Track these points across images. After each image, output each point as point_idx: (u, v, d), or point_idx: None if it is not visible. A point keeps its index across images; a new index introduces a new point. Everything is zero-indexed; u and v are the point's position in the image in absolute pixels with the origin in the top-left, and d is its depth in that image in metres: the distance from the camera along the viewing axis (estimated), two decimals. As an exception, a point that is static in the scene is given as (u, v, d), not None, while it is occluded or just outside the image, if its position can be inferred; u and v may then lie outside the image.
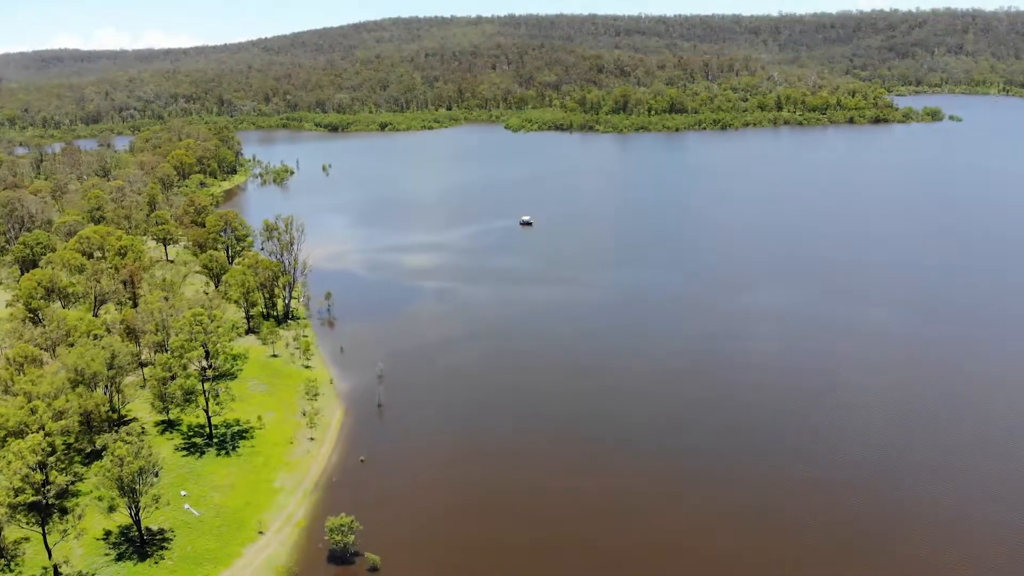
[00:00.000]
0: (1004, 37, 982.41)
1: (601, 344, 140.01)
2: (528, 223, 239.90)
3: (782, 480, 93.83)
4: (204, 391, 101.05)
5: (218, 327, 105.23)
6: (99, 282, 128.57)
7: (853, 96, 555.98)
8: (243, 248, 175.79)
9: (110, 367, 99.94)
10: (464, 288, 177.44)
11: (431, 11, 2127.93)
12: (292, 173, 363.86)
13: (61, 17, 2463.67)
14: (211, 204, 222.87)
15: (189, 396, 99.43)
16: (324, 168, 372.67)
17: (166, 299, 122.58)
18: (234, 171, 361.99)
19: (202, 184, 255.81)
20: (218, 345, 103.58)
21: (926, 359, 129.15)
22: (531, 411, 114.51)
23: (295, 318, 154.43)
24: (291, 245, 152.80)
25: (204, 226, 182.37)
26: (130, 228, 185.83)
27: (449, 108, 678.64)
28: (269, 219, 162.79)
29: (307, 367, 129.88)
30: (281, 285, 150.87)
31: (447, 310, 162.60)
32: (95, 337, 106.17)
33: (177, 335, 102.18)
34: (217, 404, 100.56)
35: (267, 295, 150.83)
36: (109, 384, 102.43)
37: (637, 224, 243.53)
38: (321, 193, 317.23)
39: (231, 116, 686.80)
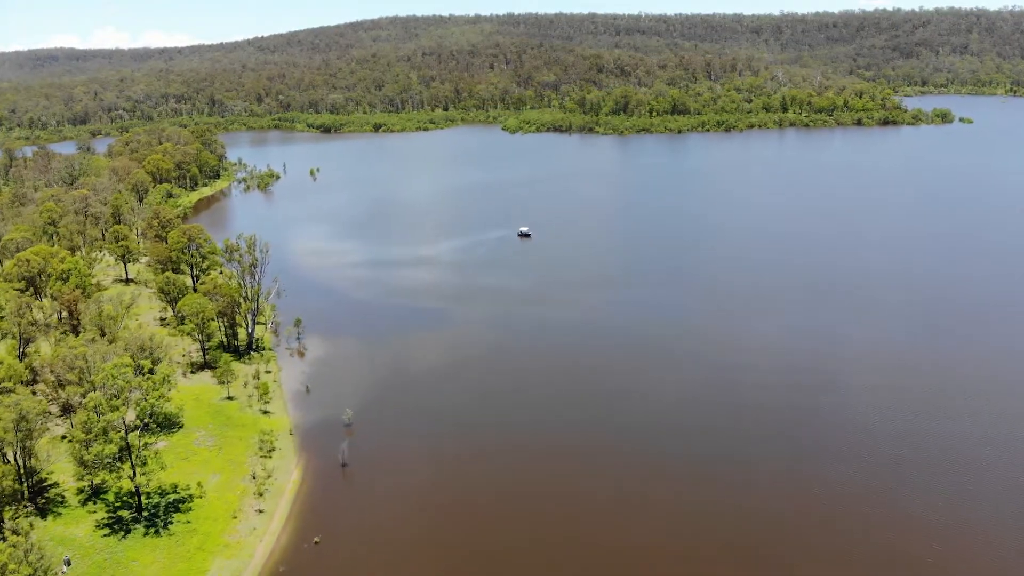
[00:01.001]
0: (1009, 37, 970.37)
1: (605, 386, 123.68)
2: (526, 235, 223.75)
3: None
4: (131, 456, 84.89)
5: (150, 379, 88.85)
6: (22, 317, 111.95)
7: (860, 97, 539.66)
8: (209, 266, 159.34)
9: (18, 428, 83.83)
10: (454, 310, 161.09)
11: (429, 10, 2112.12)
12: (278, 178, 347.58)
13: (60, 16, 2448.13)
14: (178, 217, 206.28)
15: (113, 461, 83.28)
16: (312, 172, 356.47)
17: (103, 335, 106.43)
18: (217, 176, 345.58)
19: (169, 195, 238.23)
20: (147, 401, 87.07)
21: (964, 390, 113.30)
22: (527, 476, 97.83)
23: (260, 349, 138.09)
24: (254, 268, 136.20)
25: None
26: (84, 245, 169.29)
27: (446, 109, 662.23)
28: (232, 238, 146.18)
29: (265, 413, 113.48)
30: (243, 313, 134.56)
31: (433, 337, 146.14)
32: (4, 391, 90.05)
33: (99, 389, 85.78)
34: (144, 476, 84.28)
35: (227, 324, 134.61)
36: (19, 449, 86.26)
37: (640, 235, 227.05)
38: (306, 199, 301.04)
39: (222, 116, 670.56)
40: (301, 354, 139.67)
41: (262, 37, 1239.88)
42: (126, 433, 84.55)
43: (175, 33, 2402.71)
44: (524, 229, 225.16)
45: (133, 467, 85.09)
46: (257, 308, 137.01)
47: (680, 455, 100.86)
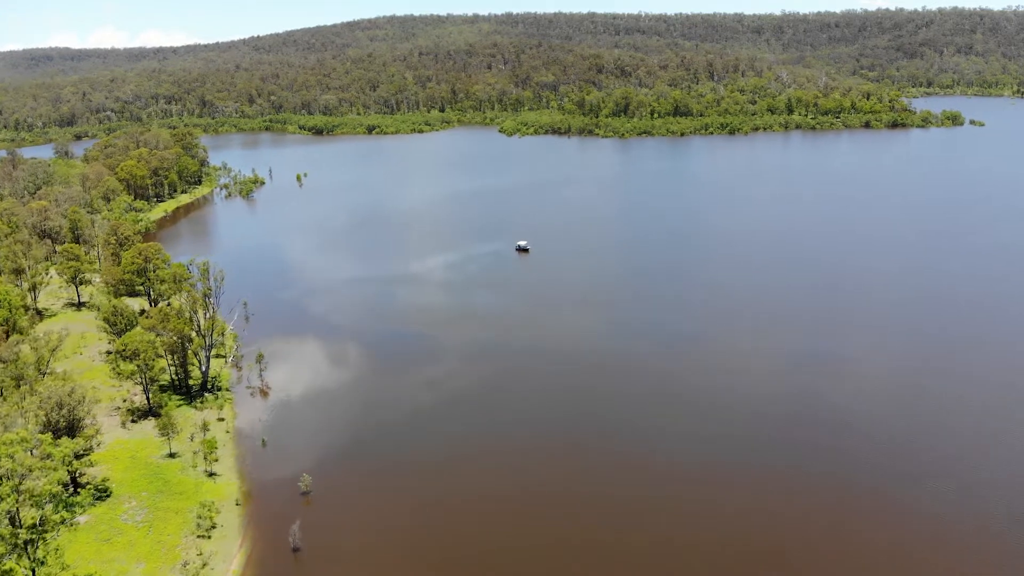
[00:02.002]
0: (1014, 37, 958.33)
1: (609, 439, 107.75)
2: (524, 249, 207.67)
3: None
4: (27, 553, 68.81)
5: (59, 448, 72.60)
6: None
7: (868, 99, 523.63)
8: (169, 291, 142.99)
9: None
10: (441, 338, 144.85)
11: (427, 9, 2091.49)
12: (262, 183, 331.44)
13: (59, 16, 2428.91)
14: (138, 233, 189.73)
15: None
16: (298, 178, 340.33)
17: (18, 386, 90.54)
18: (199, 181, 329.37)
19: (130, 208, 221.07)
20: (45, 487, 70.52)
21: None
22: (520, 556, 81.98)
23: (216, 389, 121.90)
24: (207, 299, 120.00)
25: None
26: (29, 266, 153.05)
27: (442, 110, 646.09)
28: (194, 260, 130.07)
29: (211, 475, 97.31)
30: (193, 350, 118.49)
31: (416, 371, 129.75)
32: None
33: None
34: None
35: (177, 362, 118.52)
36: None
37: (645, 249, 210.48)
38: (290, 207, 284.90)
39: (212, 118, 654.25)
40: (264, 393, 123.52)
41: (258, 37, 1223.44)
42: (15, 527, 68.37)
43: (174, 32, 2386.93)
44: (522, 244, 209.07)
45: (33, 567, 68.86)
46: (211, 343, 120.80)
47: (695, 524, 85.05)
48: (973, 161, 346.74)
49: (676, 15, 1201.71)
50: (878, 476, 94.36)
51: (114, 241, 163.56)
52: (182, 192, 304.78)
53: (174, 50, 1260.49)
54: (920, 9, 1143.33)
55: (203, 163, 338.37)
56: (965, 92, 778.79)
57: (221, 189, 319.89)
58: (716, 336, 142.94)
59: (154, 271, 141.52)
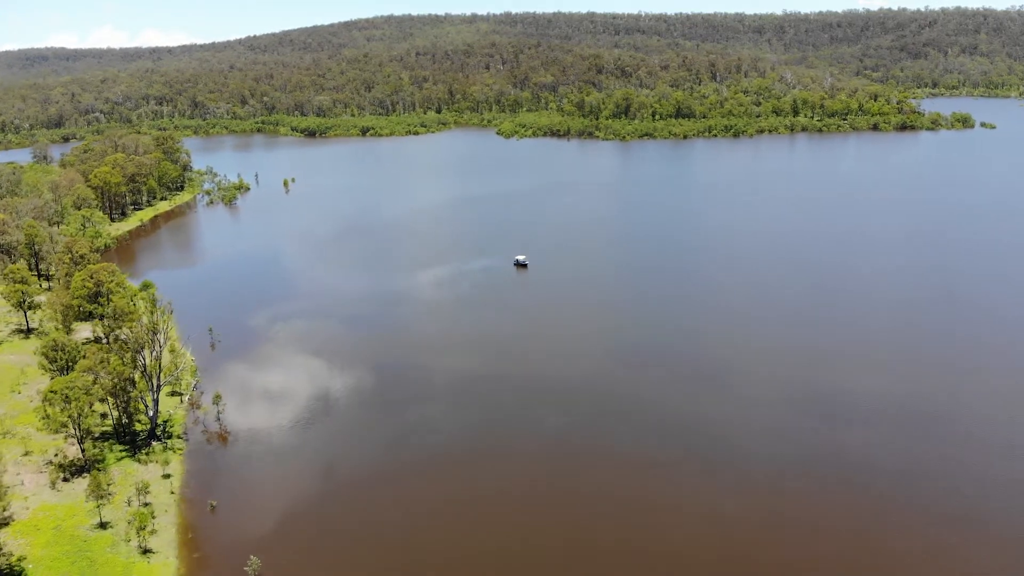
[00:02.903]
0: (1018, 37, 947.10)
1: (617, 506, 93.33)
2: (522, 264, 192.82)
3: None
4: None
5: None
6: None
7: (875, 100, 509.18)
8: (118, 320, 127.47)
9: None
10: (429, 373, 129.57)
11: (425, 8, 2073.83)
12: (247, 189, 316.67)
13: (58, 16, 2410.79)
14: (97, 251, 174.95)
15: None
16: (285, 183, 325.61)
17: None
18: (181, 187, 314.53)
19: (87, 222, 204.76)
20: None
21: None
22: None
23: (165, 436, 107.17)
24: (154, 336, 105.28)
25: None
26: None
27: (438, 111, 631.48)
28: (149, 283, 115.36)
29: (145, 552, 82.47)
30: (136, 394, 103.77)
31: (396, 417, 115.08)
32: None
33: None
34: None
35: (120, 407, 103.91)
36: None
37: (650, 264, 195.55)
38: (273, 215, 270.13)
39: (203, 119, 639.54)
40: (224, 438, 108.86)
41: (255, 36, 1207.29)
42: None
43: (173, 32, 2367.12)
44: (520, 258, 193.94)
45: None
46: (159, 384, 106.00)
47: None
48: (990, 167, 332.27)
49: (676, 15, 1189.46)
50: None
51: (68, 260, 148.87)
52: (162, 199, 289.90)
53: (169, 50, 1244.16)
54: (923, 9, 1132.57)
55: (185, 168, 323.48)
56: (971, 93, 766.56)
57: (204, 196, 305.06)
58: (734, 367, 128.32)
59: (106, 297, 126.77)
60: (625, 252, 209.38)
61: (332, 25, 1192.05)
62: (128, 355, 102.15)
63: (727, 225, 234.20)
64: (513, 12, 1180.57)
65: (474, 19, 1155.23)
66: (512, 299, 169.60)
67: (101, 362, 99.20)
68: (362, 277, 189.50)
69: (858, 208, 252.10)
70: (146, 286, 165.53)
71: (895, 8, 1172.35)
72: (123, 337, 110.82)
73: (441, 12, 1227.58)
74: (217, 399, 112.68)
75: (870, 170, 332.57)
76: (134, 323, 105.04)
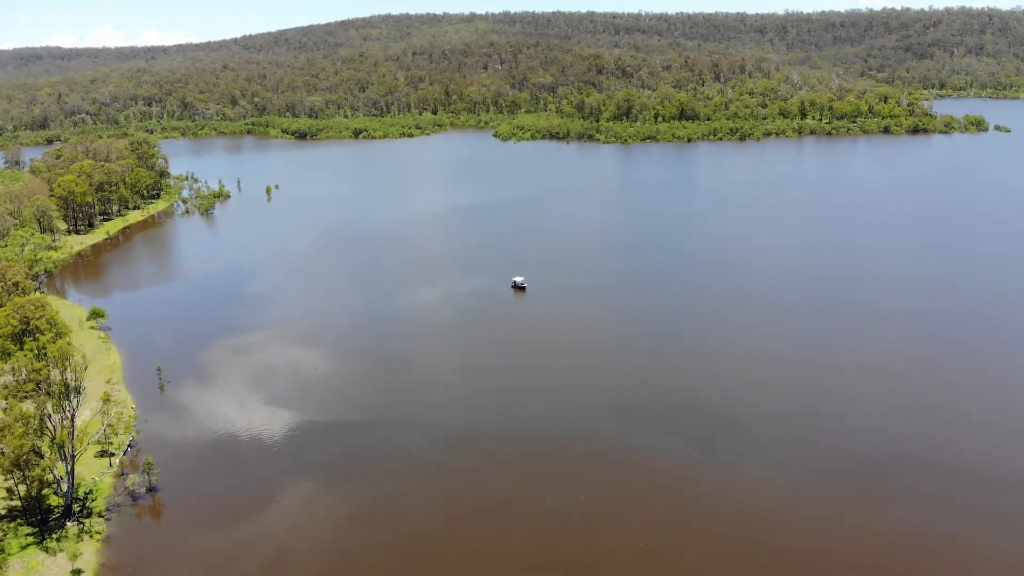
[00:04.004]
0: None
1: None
2: (521, 287, 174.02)
3: None
4: None
5: None
6: None
7: (886, 102, 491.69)
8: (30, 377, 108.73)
9: None
10: (402, 431, 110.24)
11: (423, 8, 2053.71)
12: (227, 197, 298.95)
13: (57, 16, 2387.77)
14: (34, 278, 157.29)
15: None
16: (268, 190, 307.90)
17: None
18: (157, 195, 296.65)
19: (24, 244, 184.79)
20: None
21: None
22: None
23: (83, 514, 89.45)
24: (65, 397, 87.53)
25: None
26: None
27: (434, 112, 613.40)
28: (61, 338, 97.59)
29: None
30: (43, 466, 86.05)
31: (361, 487, 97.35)
32: None
33: None
34: None
35: (28, 480, 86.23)
36: None
37: (659, 285, 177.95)
38: (251, 226, 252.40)
39: (192, 120, 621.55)
40: (156, 513, 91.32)
41: (250, 36, 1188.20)
42: None
43: (172, 32, 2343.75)
44: (519, 280, 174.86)
45: None
46: (73, 454, 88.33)
47: None
48: (1012, 173, 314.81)
49: (677, 14, 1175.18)
50: None
51: (1, 288, 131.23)
52: (135, 208, 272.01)
53: (164, 49, 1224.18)
54: (927, 9, 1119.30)
55: (163, 174, 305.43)
56: (979, 94, 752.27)
57: (182, 203, 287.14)
58: (757, 421, 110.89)
59: (33, 336, 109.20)
60: (631, 270, 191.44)
61: (329, 24, 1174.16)
62: (34, 421, 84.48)
63: (739, 238, 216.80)
64: (512, 11, 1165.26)
65: (473, 18, 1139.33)
66: (510, 332, 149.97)
67: (3, 429, 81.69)
68: (338, 302, 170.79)
69: (882, 219, 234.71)
70: (96, 314, 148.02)
71: (898, 8, 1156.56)
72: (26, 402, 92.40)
73: (439, 11, 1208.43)
74: (148, 466, 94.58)
75: (887, 176, 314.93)
76: (47, 375, 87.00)
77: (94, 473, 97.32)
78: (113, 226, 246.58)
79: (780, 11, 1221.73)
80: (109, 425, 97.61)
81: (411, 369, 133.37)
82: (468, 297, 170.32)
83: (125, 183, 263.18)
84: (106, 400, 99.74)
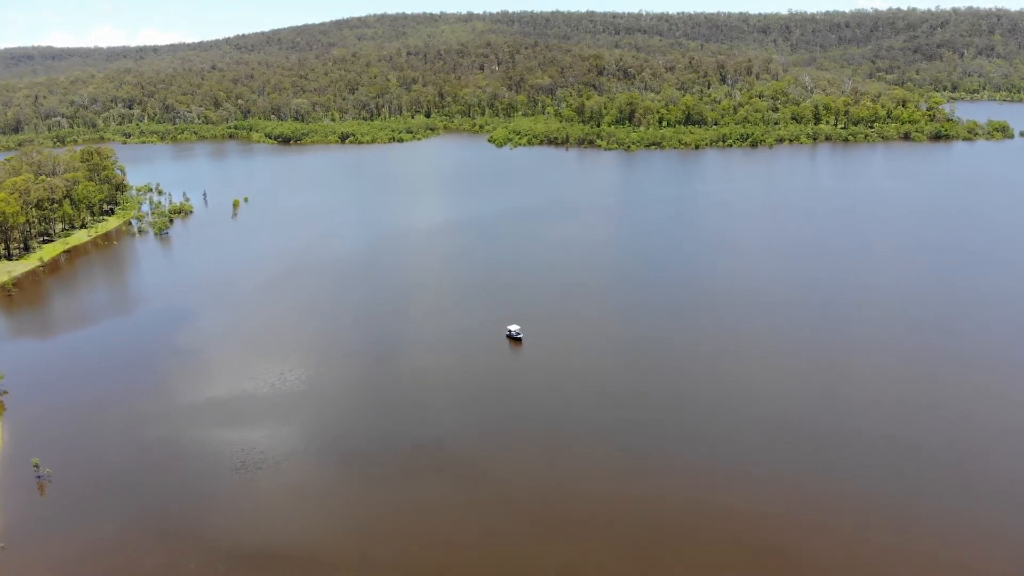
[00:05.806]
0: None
1: None
2: (516, 337, 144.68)
3: None
4: None
5: None
6: None
7: (904, 106, 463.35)
8: None
9: None
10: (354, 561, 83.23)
11: (420, 7, 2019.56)
12: (189, 212, 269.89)
13: (57, 16, 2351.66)
14: None
15: None
16: (235, 204, 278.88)
17: None
18: (111, 211, 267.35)
19: None
20: None
21: None
22: None
23: None
24: None
25: None
26: None
27: (427, 114, 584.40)
28: None
29: None
30: None
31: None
32: None
33: None
34: None
35: None
36: None
37: (671, 328, 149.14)
38: (209, 249, 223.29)
39: (173, 123, 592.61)
40: None
41: (243, 35, 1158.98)
42: None
43: (172, 31, 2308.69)
44: (513, 330, 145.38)
45: None
46: None
47: None
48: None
49: (678, 14, 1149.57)
50: None
51: None
52: (82, 227, 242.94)
53: (155, 49, 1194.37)
54: (934, 9, 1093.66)
55: (119, 187, 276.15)
56: (993, 97, 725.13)
57: (135, 221, 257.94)
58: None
59: None
60: (642, 308, 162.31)
61: (323, 24, 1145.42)
62: None
63: (765, 267, 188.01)
64: (510, 11, 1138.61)
65: (470, 17, 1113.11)
66: (503, 403, 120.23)
67: None
68: (284, 354, 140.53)
69: (923, 240, 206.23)
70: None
71: (904, 8, 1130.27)
72: None
73: (436, 10, 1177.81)
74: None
75: (916, 188, 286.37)
76: None
77: None
78: (48, 251, 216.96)
79: (783, 11, 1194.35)
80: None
81: (388, 443, 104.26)
82: (452, 350, 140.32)
83: (70, 199, 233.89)
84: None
